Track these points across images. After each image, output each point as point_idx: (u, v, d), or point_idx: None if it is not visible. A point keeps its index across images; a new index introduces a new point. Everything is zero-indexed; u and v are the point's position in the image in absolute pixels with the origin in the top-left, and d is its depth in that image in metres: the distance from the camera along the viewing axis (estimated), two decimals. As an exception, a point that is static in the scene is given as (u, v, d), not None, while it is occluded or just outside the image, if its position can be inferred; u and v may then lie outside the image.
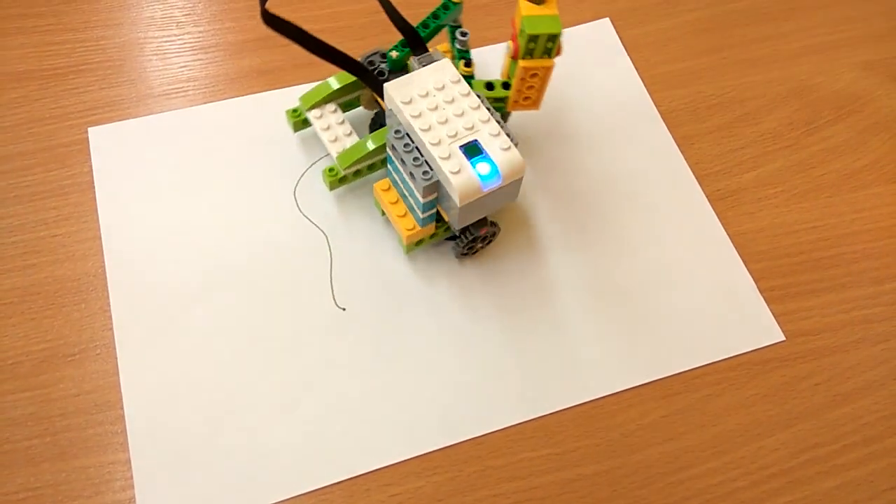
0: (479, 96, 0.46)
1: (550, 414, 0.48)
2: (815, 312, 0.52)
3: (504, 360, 0.49)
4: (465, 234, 0.48)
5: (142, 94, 0.58)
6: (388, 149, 0.47)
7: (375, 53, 0.51)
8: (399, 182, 0.48)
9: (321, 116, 0.52)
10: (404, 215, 0.49)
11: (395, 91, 0.44)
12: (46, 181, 0.54)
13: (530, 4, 0.45)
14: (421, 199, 0.45)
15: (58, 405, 0.46)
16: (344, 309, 0.50)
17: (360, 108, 0.55)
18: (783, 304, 0.52)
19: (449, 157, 0.43)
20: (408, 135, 0.45)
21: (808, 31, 0.66)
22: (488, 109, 0.46)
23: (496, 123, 0.45)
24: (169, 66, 0.59)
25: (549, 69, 0.48)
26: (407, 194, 0.47)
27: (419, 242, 0.51)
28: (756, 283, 0.53)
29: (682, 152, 0.58)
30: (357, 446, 0.46)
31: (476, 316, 0.51)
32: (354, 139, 0.52)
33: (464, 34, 0.52)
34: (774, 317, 0.52)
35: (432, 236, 0.51)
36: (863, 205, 0.57)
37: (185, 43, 0.61)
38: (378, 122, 0.54)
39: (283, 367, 0.48)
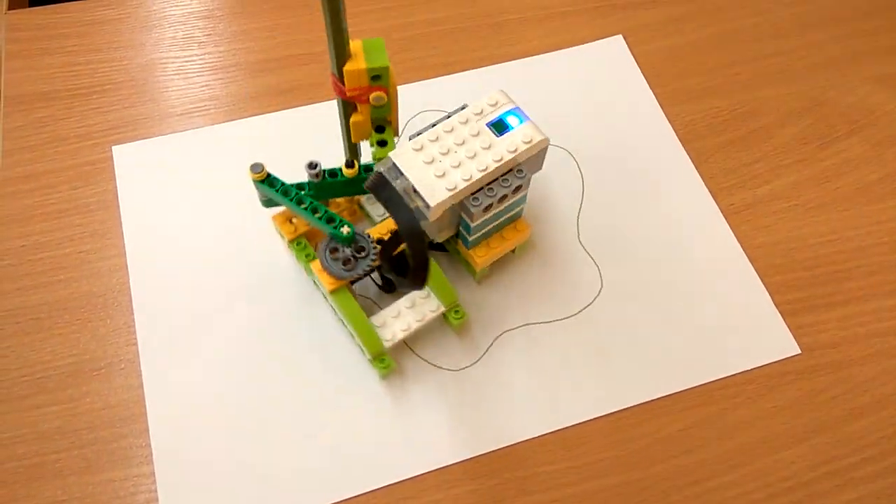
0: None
1: (568, 427, 0.48)
2: (831, 325, 0.53)
3: (521, 373, 0.50)
4: None
5: (164, 112, 0.59)
6: (474, 224, 0.46)
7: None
8: (492, 223, 0.49)
9: (393, 335, 0.48)
10: (514, 231, 0.50)
11: (436, 197, 0.44)
12: (72, 199, 0.55)
13: (351, 63, 0.42)
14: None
15: (84, 419, 0.47)
16: (363, 323, 0.51)
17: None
18: (799, 317, 0.53)
19: (515, 148, 0.45)
20: (477, 193, 0.45)
21: (820, 45, 0.66)
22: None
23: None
24: (191, 86, 0.61)
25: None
26: (505, 215, 0.49)
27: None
28: (772, 296, 0.53)
29: (696, 167, 0.59)
30: (377, 460, 0.47)
31: (493, 330, 0.51)
32: (419, 294, 0.49)
33: (313, 166, 0.47)
34: (790, 330, 0.52)
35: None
36: (878, 217, 0.57)
37: (206, 62, 0.62)
38: (387, 277, 0.50)
39: (303, 382, 0.49)
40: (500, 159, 0.45)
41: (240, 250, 0.53)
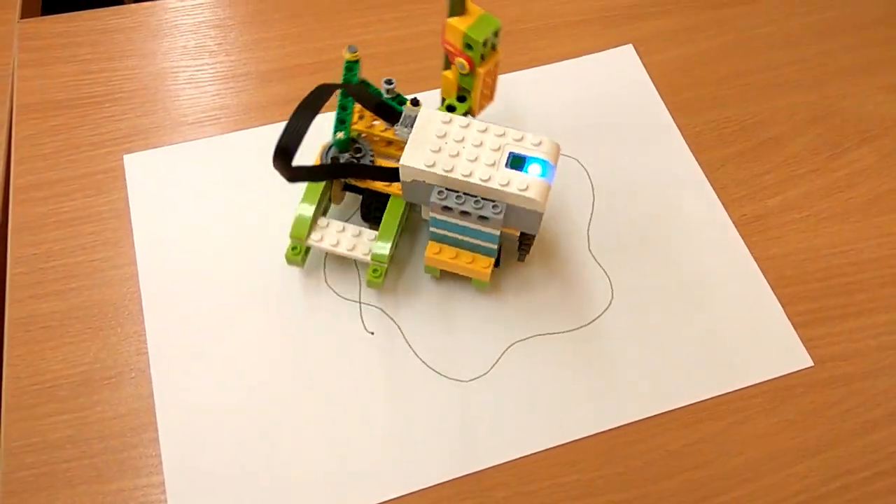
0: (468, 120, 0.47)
1: (577, 440, 0.48)
2: (843, 337, 0.52)
3: (528, 385, 0.50)
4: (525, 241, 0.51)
5: (176, 121, 0.60)
6: (432, 215, 0.47)
7: (332, 148, 0.51)
8: (458, 235, 0.48)
9: (322, 238, 0.50)
10: (472, 261, 0.49)
11: (412, 160, 0.45)
12: (84, 207, 0.55)
13: (459, 19, 0.46)
14: (497, 233, 0.47)
15: (95, 428, 0.47)
16: (372, 333, 0.51)
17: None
18: (811, 329, 0.52)
19: (508, 182, 0.44)
20: (447, 190, 0.45)
21: (832, 55, 0.66)
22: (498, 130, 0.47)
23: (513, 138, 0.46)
24: (202, 95, 0.61)
25: (499, 61, 0.49)
26: (473, 240, 0.48)
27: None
28: (784, 308, 0.53)
29: (707, 177, 0.58)
30: (387, 471, 0.46)
31: (503, 341, 0.51)
32: (371, 234, 0.51)
33: (389, 82, 0.51)
34: (802, 342, 0.52)
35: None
36: (890, 228, 0.57)
37: (217, 72, 0.62)
38: (367, 203, 0.53)
39: (313, 391, 0.49)
40: (487, 180, 0.44)
41: (251, 260, 0.53)
